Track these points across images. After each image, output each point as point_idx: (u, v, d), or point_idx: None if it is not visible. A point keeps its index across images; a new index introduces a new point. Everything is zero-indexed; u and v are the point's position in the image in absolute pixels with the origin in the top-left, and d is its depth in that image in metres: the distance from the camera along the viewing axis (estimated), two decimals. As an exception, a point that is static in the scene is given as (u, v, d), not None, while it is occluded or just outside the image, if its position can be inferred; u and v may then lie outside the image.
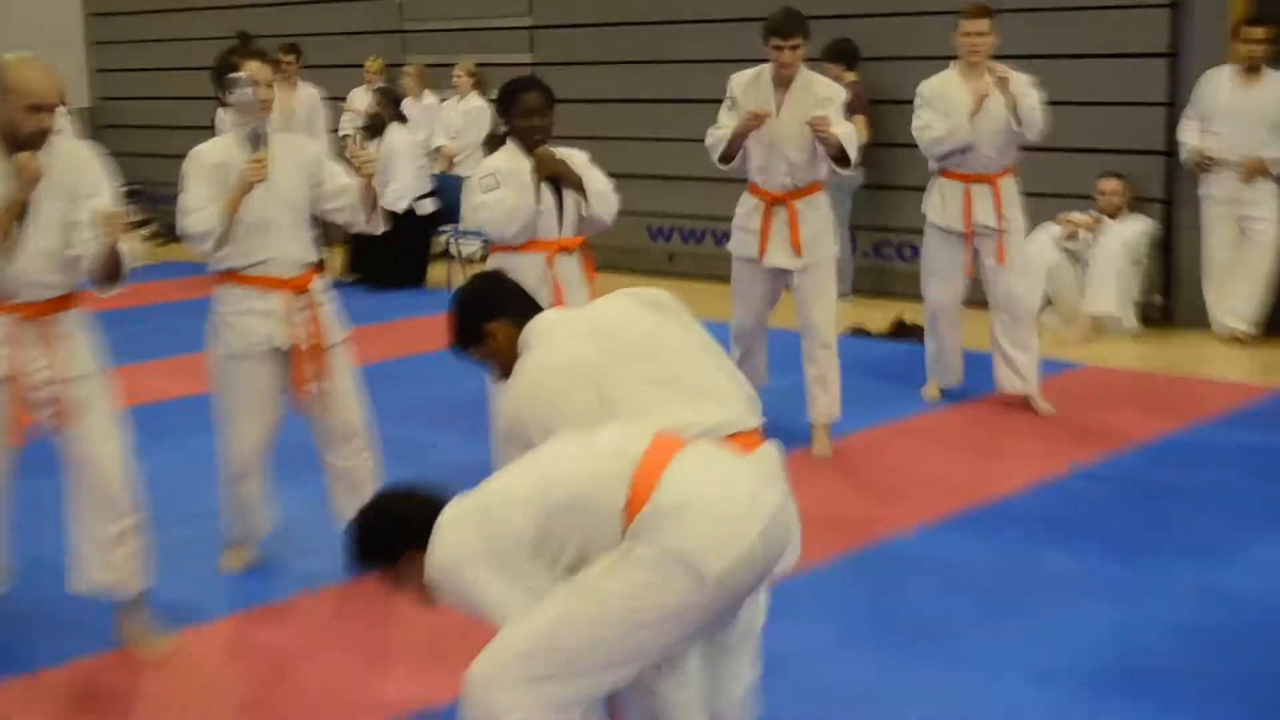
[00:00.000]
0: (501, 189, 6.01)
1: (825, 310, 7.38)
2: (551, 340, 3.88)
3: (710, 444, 3.56)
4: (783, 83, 7.20)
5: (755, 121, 7.10)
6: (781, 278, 7.41)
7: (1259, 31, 9.49)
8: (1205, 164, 9.71)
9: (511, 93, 6.17)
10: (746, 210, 7.48)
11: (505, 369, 3.96)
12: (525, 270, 6.01)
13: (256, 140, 5.46)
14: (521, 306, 4.09)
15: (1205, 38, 9.97)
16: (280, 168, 5.49)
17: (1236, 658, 4.87)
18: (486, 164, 6.15)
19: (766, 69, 7.23)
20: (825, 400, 7.35)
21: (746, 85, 7.33)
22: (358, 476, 5.75)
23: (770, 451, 3.93)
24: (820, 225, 7.34)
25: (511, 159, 6.09)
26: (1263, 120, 9.56)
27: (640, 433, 3.48)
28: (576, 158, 6.19)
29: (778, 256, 7.30)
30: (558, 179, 6.10)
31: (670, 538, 3.24)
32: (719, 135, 7.32)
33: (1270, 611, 5.25)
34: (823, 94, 7.20)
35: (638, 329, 4.00)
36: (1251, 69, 9.54)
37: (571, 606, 3.29)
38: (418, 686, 4.68)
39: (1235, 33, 9.64)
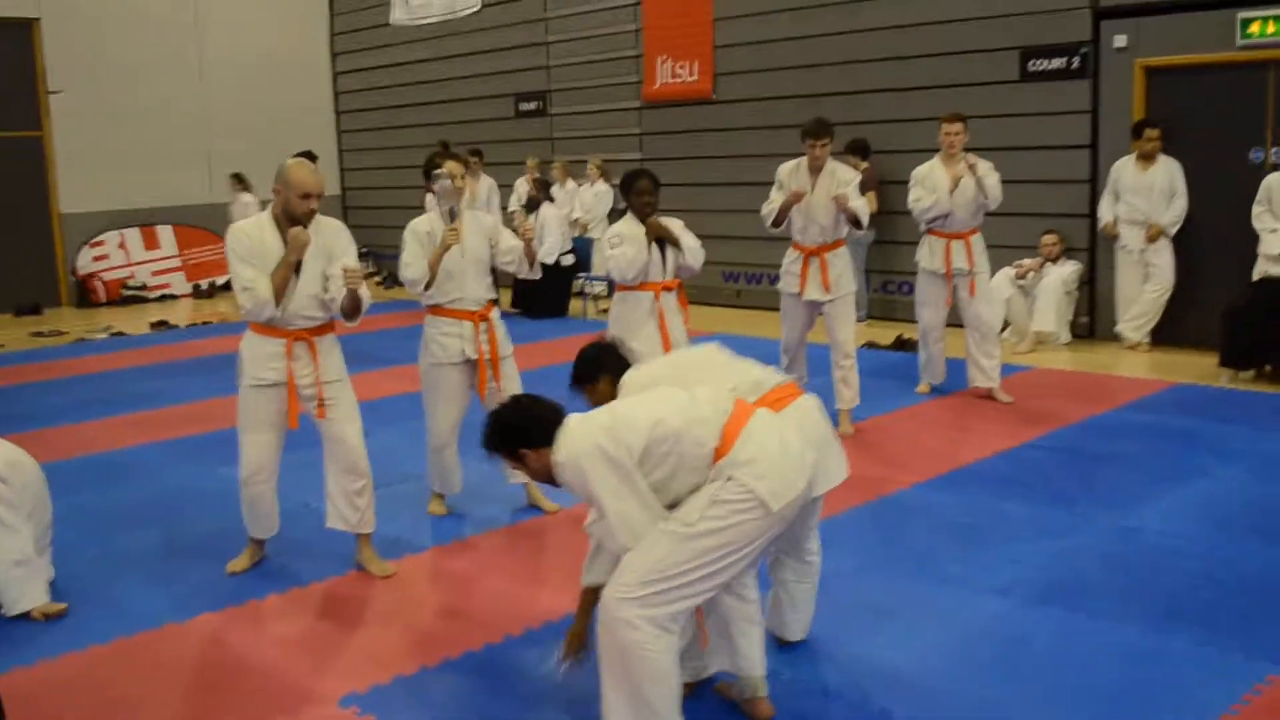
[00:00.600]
0: (624, 246, 6.01)
1: (847, 330, 7.30)
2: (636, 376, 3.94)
3: (772, 413, 3.61)
4: (815, 169, 7.14)
5: (796, 198, 7.07)
6: (816, 307, 7.35)
7: (1154, 131, 9.32)
8: (1112, 234, 9.60)
9: (631, 179, 6.16)
10: (790, 260, 7.42)
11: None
12: (639, 303, 6.05)
13: (452, 216, 5.52)
14: (619, 366, 4.06)
15: (1114, 135, 9.78)
16: (468, 234, 5.55)
17: (1143, 577, 4.76)
18: (612, 229, 6.15)
19: (804, 160, 7.17)
20: (848, 394, 7.30)
21: (790, 171, 7.28)
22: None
23: (811, 401, 4.03)
24: (843, 269, 7.28)
25: (630, 225, 6.08)
26: (1159, 194, 9.38)
27: (726, 396, 3.55)
28: (675, 224, 6.18)
29: (814, 292, 7.25)
30: (662, 239, 6.08)
31: (748, 480, 3.29)
32: (771, 208, 7.28)
33: (1167, 544, 5.12)
34: (843, 177, 7.14)
35: (695, 358, 4.18)
36: (1147, 157, 9.36)
37: (676, 544, 3.29)
38: (562, 600, 4.65)
39: (1135, 131, 9.46)
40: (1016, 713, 3.69)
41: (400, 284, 5.64)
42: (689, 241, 6.19)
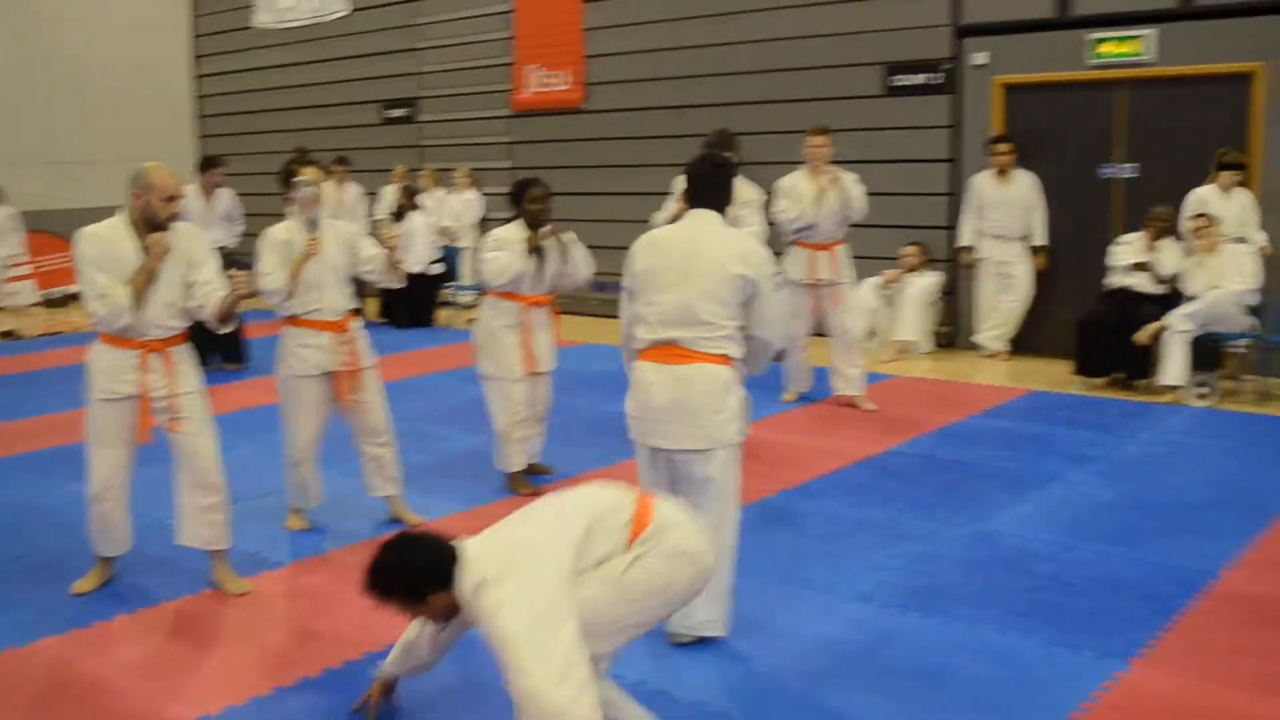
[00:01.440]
0: (501, 251, 5.98)
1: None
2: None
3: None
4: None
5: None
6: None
7: (1005, 146, 9.63)
8: (969, 263, 10.04)
9: (523, 186, 6.14)
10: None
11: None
12: (506, 312, 6.02)
13: (312, 225, 5.41)
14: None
15: (974, 149, 10.05)
16: (328, 243, 5.46)
17: (998, 580, 4.88)
18: (496, 232, 6.11)
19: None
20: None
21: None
22: (384, 460, 5.73)
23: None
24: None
25: (514, 231, 6.07)
26: (1016, 207, 9.69)
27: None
28: (566, 237, 6.17)
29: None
30: (540, 251, 6.06)
31: (675, 542, 3.34)
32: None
33: (1021, 547, 5.26)
34: (745, 196, 7.66)
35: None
36: (1003, 171, 9.66)
37: (601, 595, 3.23)
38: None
39: (989, 147, 9.74)
40: (877, 715, 3.74)
41: (258, 294, 5.50)
42: (578, 252, 6.20)
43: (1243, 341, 8.26)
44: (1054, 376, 8.96)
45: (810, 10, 10.97)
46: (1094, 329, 8.60)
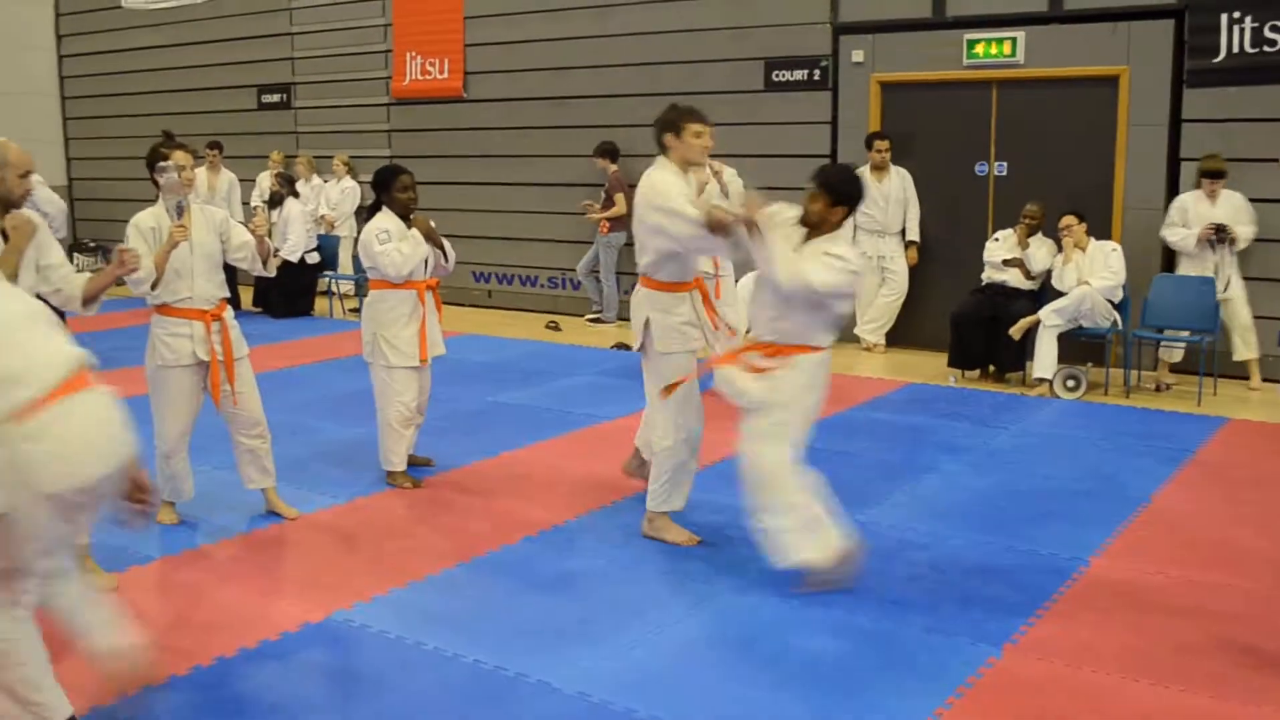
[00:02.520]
0: (394, 242, 5.91)
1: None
2: None
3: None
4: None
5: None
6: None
7: (883, 143, 9.80)
8: None
9: (391, 174, 6.06)
10: None
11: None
12: (402, 302, 6.00)
13: (180, 210, 5.25)
14: None
15: (852, 146, 10.20)
16: (197, 229, 5.30)
17: (876, 568, 4.93)
18: (377, 224, 5.99)
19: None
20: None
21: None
22: (260, 453, 5.57)
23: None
24: None
25: (393, 221, 5.99)
26: (894, 203, 9.86)
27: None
28: (431, 223, 6.12)
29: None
30: (428, 237, 5.99)
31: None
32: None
33: (897, 536, 5.36)
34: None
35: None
36: (880, 167, 9.83)
37: None
38: (299, 609, 4.51)
39: (866, 143, 9.90)
40: (754, 703, 3.76)
41: (124, 282, 5.31)
42: (445, 242, 6.15)
43: (1109, 336, 8.53)
44: (930, 369, 9.14)
45: (691, 4, 11.02)
46: (968, 323, 8.79)
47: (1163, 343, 8.60)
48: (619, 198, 11.15)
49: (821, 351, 4.87)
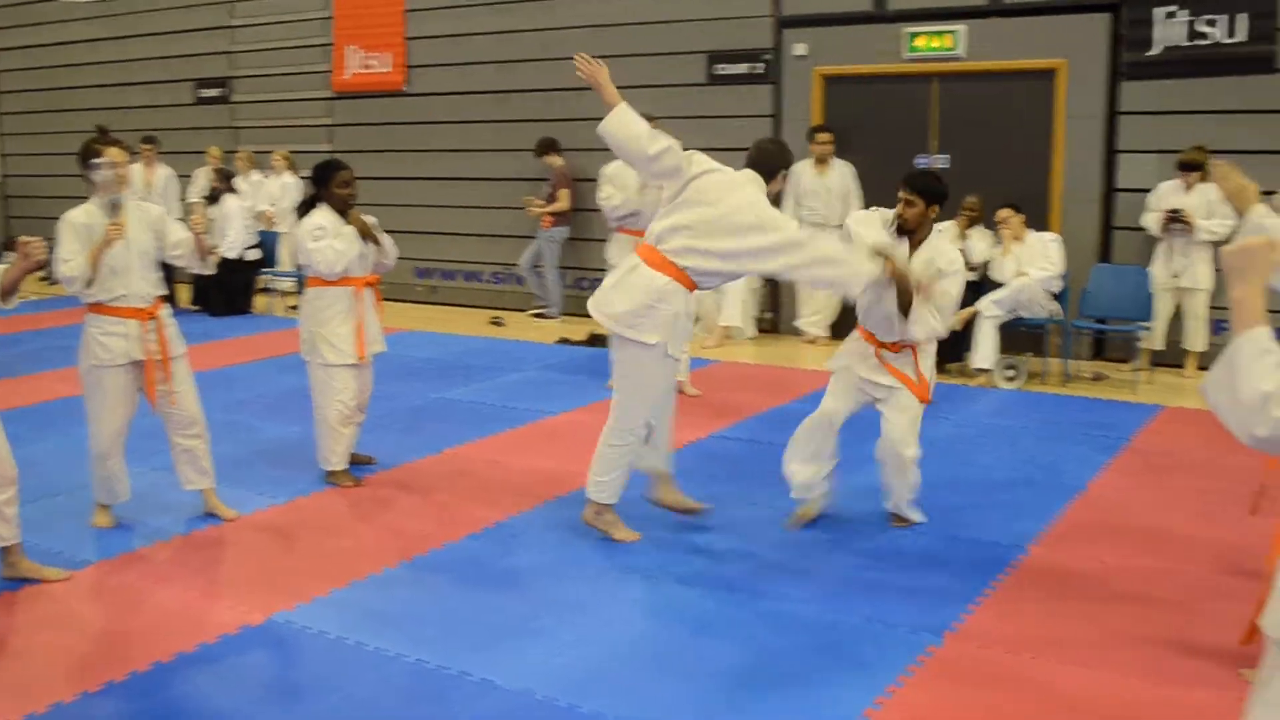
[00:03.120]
0: (329, 239, 5.84)
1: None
2: None
3: None
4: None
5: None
6: None
7: (825, 136, 9.85)
8: None
9: (329, 170, 5.99)
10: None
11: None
12: (339, 298, 5.94)
13: (114, 207, 5.16)
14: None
15: (795, 139, 10.23)
16: (133, 226, 5.21)
17: (819, 558, 4.98)
18: (312, 221, 5.92)
19: None
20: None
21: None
22: (197, 453, 5.49)
23: None
24: None
25: (330, 217, 5.92)
26: (835, 196, 9.92)
27: None
28: (369, 219, 6.05)
29: None
30: (364, 233, 5.94)
31: None
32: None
33: (841, 526, 5.39)
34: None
35: None
36: (822, 160, 9.88)
37: None
38: (238, 611, 4.46)
39: (809, 136, 9.95)
40: (698, 695, 3.77)
41: (57, 280, 5.23)
42: (385, 239, 6.09)
43: (1048, 326, 8.63)
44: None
45: (635, -3, 11.04)
46: (909, 315, 8.85)
47: (1142, 332, 8.64)
48: (563, 193, 11.13)
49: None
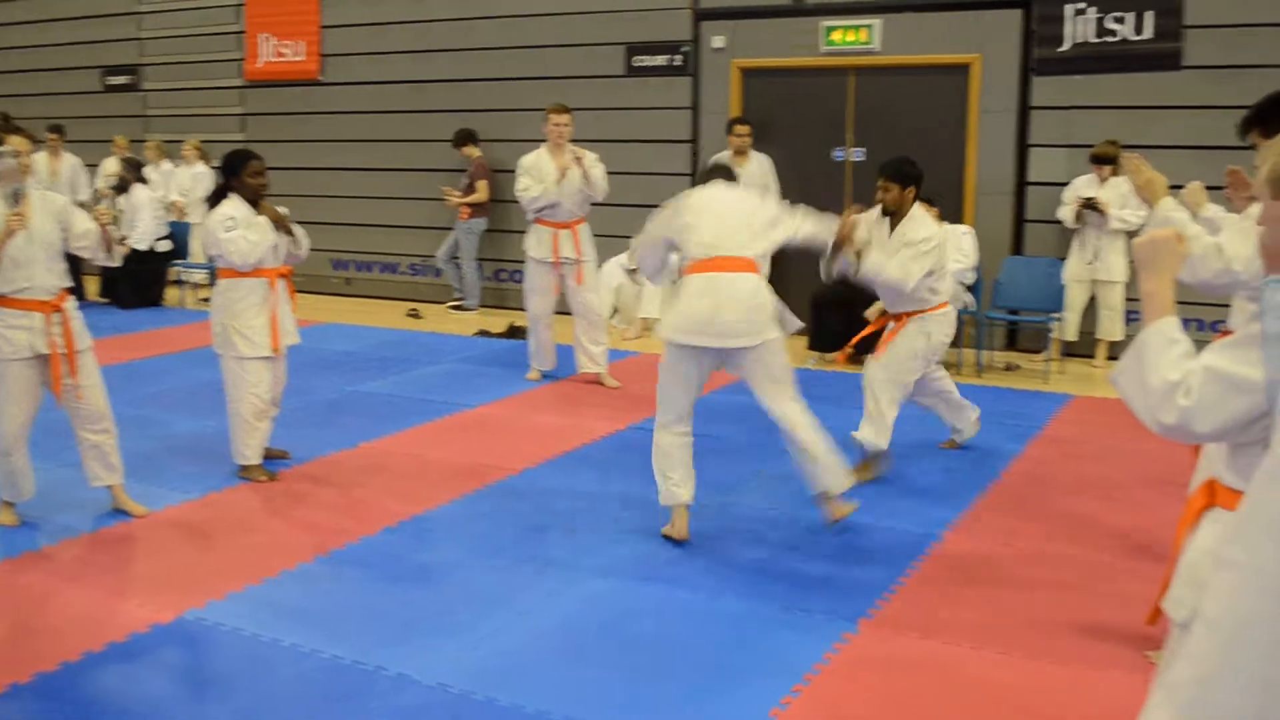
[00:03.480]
0: (241, 229, 5.74)
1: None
2: None
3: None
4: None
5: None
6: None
7: (744, 128, 9.89)
8: None
9: (241, 160, 5.90)
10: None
11: None
12: (253, 290, 5.85)
13: (17, 197, 5.03)
14: None
15: (713, 131, 10.30)
16: (36, 217, 5.08)
17: (737, 550, 5.02)
18: (223, 211, 5.81)
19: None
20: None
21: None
22: (105, 448, 5.37)
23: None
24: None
25: (241, 208, 5.82)
26: (752, 188, 9.93)
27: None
28: (281, 210, 5.97)
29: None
30: (277, 224, 5.86)
31: None
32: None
33: (758, 517, 5.45)
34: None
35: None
36: (741, 152, 9.92)
37: None
38: (147, 609, 4.39)
39: (728, 128, 9.99)
40: (616, 687, 3.79)
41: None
42: (297, 229, 6.01)
43: (962, 317, 8.76)
44: (791, 352, 9.22)
45: (553, -12, 11.00)
46: (826, 306, 8.96)
47: (1055, 323, 8.81)
48: (482, 184, 11.07)
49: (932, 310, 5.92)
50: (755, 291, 5.06)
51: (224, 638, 4.16)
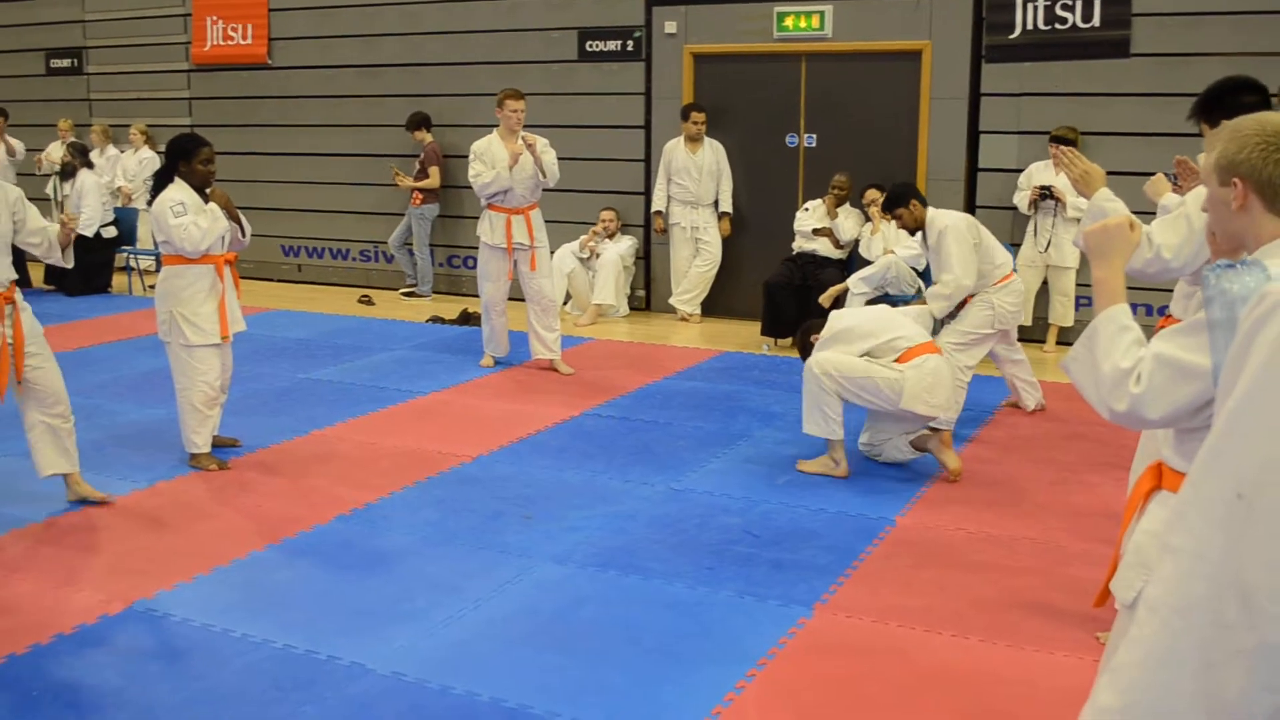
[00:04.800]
0: (191, 215, 5.67)
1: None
2: None
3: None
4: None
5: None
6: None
7: (698, 115, 9.89)
8: (661, 229, 10.15)
9: (191, 145, 5.81)
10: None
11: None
12: (200, 277, 5.78)
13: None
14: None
15: (666, 116, 10.29)
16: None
17: (691, 535, 5.03)
18: (171, 196, 5.72)
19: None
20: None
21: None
22: (62, 431, 5.26)
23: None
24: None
25: (187, 193, 5.74)
26: (707, 174, 9.98)
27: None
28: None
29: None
30: (229, 210, 5.79)
31: None
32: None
33: (712, 502, 5.45)
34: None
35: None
36: (694, 139, 9.93)
37: None
38: (97, 600, 4.34)
39: (683, 114, 9.99)
40: (571, 674, 3.79)
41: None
42: (222, 223, 5.94)
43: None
44: (743, 338, 9.31)
45: (504, -28, 10.92)
46: (779, 292, 8.99)
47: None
48: (434, 170, 10.99)
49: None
50: None
51: (174, 628, 4.12)
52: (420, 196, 11.07)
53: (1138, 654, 1.84)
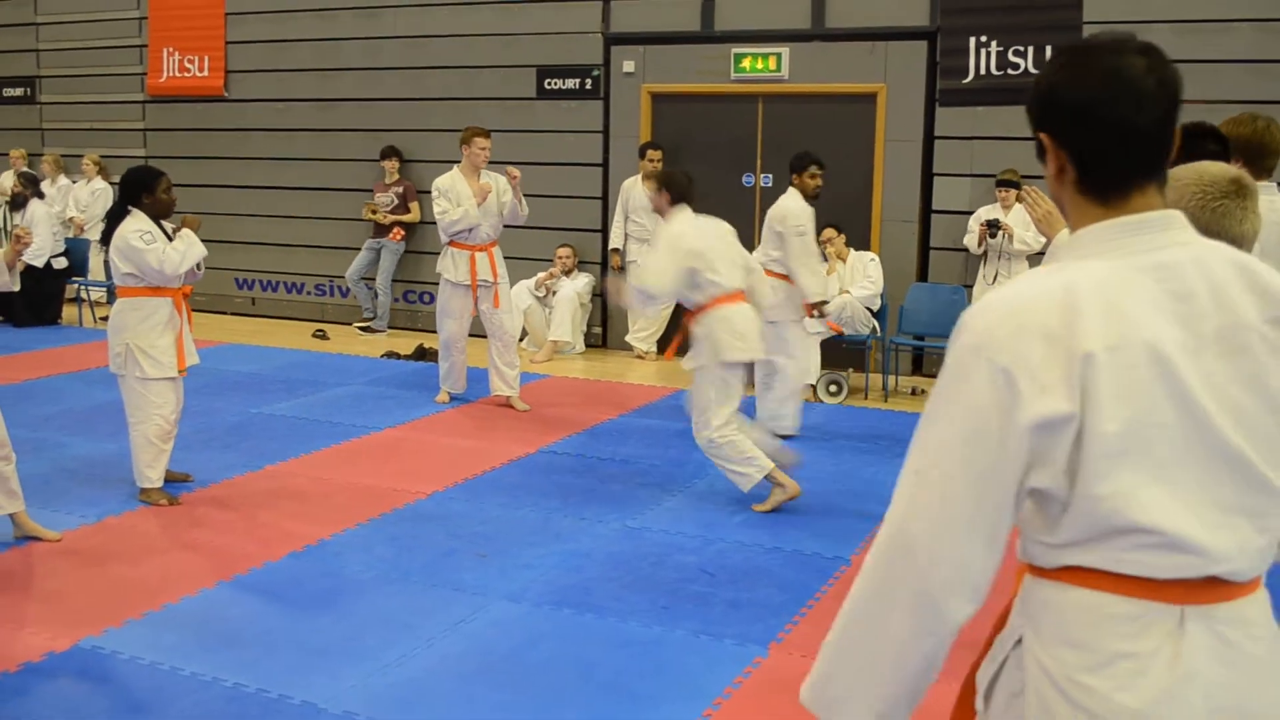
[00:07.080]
0: (160, 243, 5.66)
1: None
2: None
3: None
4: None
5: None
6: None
7: (655, 153, 9.97)
8: (618, 265, 10.19)
9: (151, 177, 5.83)
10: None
11: None
12: (157, 309, 5.76)
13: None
14: None
15: (623, 154, 10.35)
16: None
17: (646, 574, 5.03)
18: (135, 225, 5.68)
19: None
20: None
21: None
22: (3, 474, 5.14)
23: None
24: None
25: (149, 223, 5.74)
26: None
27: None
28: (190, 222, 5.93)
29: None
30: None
31: None
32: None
33: (666, 541, 5.46)
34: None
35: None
36: (652, 177, 9.95)
37: None
38: (42, 638, 4.27)
39: (640, 153, 10.05)
40: (525, 712, 3.77)
41: None
42: (200, 248, 5.92)
43: (869, 342, 8.90)
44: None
45: (463, 9, 10.98)
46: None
47: None
48: (414, 205, 10.99)
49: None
50: None
51: (122, 667, 4.06)
52: (401, 232, 11.08)
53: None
